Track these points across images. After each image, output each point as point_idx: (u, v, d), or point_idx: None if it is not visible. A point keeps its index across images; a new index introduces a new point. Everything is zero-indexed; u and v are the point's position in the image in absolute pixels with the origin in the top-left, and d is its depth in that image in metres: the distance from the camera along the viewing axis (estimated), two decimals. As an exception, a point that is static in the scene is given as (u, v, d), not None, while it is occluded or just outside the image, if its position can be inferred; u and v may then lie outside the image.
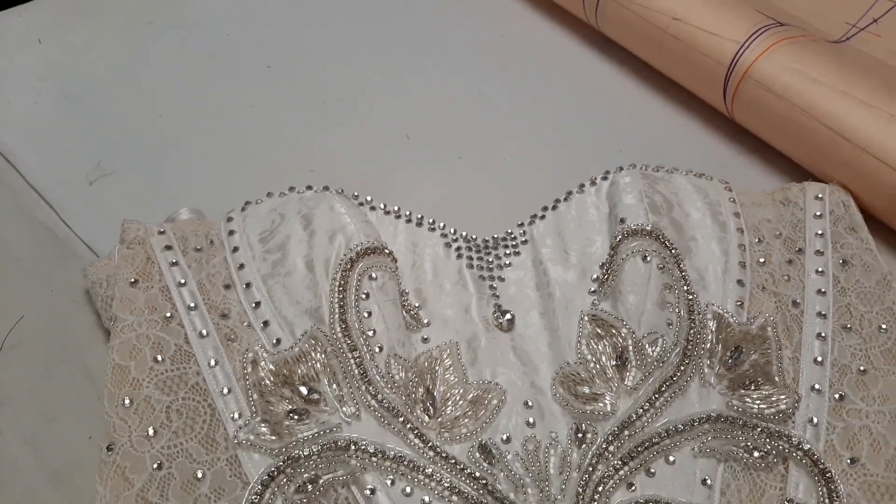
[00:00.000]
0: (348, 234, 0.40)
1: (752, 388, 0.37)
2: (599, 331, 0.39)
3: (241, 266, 0.41)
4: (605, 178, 0.47)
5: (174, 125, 0.56)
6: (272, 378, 0.36)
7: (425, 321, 0.41)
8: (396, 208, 0.46)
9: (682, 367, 0.37)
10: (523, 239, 0.46)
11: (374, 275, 0.39)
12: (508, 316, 0.41)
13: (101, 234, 0.47)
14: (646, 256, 0.40)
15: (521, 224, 0.47)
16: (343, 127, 0.55)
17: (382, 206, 0.46)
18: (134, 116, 0.56)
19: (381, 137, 0.54)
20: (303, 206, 0.42)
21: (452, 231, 0.46)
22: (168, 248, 0.42)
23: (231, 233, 0.43)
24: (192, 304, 0.40)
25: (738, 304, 0.40)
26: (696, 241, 0.42)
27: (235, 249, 0.42)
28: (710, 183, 0.47)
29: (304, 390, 0.36)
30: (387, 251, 0.40)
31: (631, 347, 0.38)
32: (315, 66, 0.60)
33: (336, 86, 0.58)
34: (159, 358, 0.38)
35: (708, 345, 0.38)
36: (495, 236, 0.46)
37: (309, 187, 0.45)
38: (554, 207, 0.47)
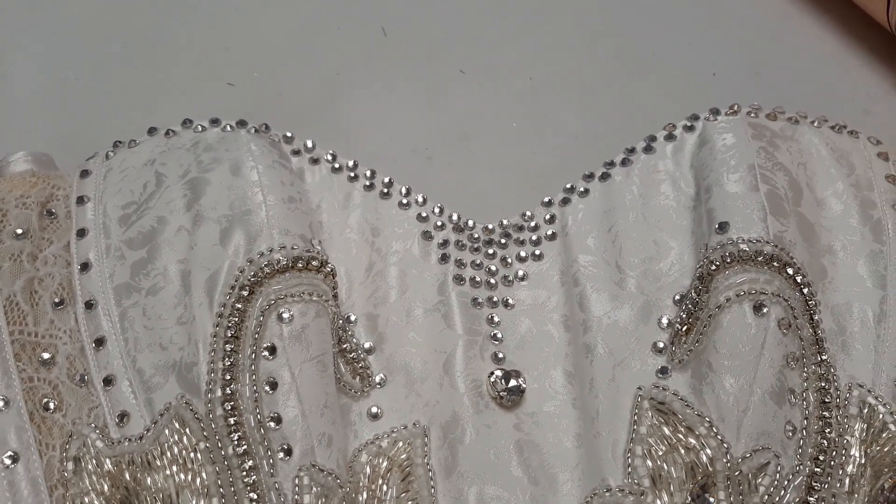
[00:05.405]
0: (253, 229, 0.28)
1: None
2: (667, 432, 0.27)
3: (86, 266, 0.29)
4: (689, 128, 0.34)
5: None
6: (105, 493, 0.25)
7: (377, 379, 0.30)
8: (351, 163, 0.34)
9: None
10: (549, 231, 0.33)
11: (286, 312, 0.27)
12: (514, 382, 0.29)
13: None
14: (761, 305, 0.27)
15: (549, 203, 0.34)
16: (280, 10, 0.41)
17: (329, 156, 0.34)
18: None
19: (339, 31, 0.41)
20: (193, 162, 0.30)
21: (437, 210, 0.33)
22: (-34, 234, 0.30)
23: (82, 200, 0.31)
24: None
25: None
26: (833, 257, 0.30)
27: (82, 233, 0.30)
28: (854, 143, 0.34)
29: None
30: (315, 262, 0.28)
31: (720, 476, 0.26)
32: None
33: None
34: None
35: (850, 467, 0.27)
36: (505, 223, 0.33)
37: (214, 121, 0.33)
38: (604, 177, 0.34)
